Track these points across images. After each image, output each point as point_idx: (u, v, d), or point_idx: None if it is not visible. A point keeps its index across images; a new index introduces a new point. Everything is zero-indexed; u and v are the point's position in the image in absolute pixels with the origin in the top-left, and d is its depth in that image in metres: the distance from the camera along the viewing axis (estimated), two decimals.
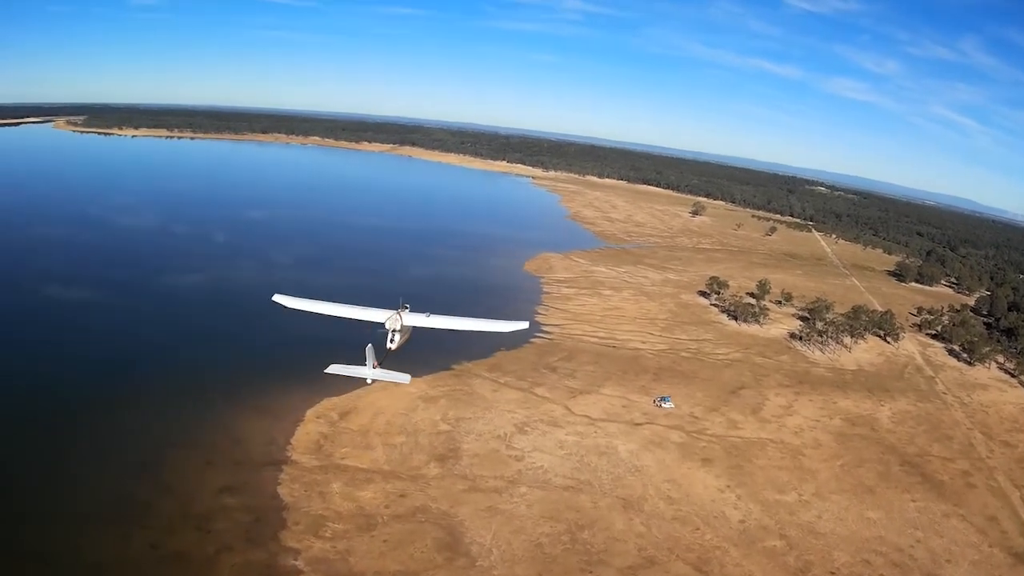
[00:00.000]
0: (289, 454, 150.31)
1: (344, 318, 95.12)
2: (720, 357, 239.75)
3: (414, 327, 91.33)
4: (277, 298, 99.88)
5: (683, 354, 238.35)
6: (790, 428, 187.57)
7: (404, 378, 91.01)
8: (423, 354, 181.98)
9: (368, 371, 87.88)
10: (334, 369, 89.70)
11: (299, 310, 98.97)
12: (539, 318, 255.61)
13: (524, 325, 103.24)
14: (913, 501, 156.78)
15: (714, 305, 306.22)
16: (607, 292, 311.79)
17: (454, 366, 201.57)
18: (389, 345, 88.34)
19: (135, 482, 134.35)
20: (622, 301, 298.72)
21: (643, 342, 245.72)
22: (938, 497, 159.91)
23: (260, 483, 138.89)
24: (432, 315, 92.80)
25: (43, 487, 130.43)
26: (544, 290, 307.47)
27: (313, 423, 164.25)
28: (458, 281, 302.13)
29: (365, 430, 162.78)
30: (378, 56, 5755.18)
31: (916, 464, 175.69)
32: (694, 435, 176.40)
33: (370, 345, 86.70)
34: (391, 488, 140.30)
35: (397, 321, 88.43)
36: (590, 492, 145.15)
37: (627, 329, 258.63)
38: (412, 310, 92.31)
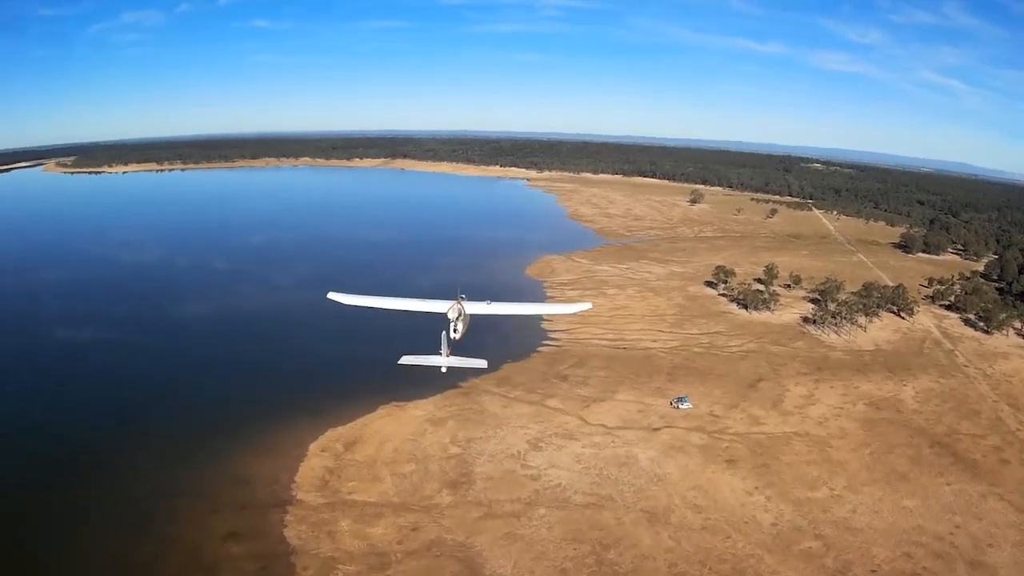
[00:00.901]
0: (294, 493, 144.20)
1: (405, 311, 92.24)
2: (734, 349, 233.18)
3: (472, 315, 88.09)
4: (332, 295, 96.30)
5: (696, 349, 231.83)
6: (814, 418, 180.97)
7: (481, 363, 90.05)
8: (427, 372, 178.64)
9: (443, 359, 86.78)
10: (407, 360, 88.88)
11: (357, 306, 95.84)
12: (545, 324, 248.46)
13: (588, 306, 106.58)
14: (948, 484, 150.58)
15: (722, 295, 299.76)
16: (612, 291, 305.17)
17: (461, 383, 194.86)
18: (453, 335, 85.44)
19: (139, 537, 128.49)
20: (628, 299, 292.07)
21: (654, 340, 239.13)
22: (973, 477, 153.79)
23: (266, 527, 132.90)
24: (492, 302, 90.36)
25: (41, 549, 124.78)
26: (548, 295, 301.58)
27: (317, 457, 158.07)
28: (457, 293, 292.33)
29: (372, 460, 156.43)
30: (365, 72, 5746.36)
31: (947, 444, 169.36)
32: (715, 435, 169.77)
33: (444, 332, 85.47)
34: (403, 522, 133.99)
35: (458, 311, 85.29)
36: (612, 508, 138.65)
37: (636, 328, 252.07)
38: (469, 299, 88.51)
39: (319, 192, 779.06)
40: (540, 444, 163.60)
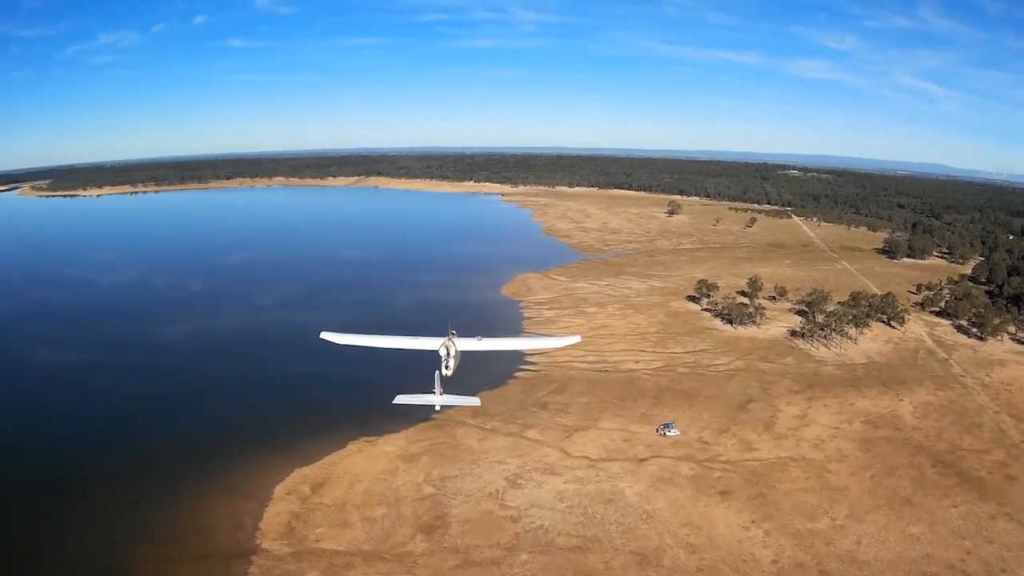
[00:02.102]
0: (258, 541, 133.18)
1: (394, 348, 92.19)
2: (721, 368, 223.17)
3: (463, 351, 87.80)
4: (325, 335, 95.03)
5: (681, 370, 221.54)
6: (809, 441, 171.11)
7: (474, 401, 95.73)
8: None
9: (436, 398, 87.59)
10: (401, 399, 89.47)
11: (349, 345, 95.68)
12: None
13: (576, 339, 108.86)
14: (955, 507, 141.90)
15: (706, 310, 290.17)
16: (591, 309, 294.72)
17: (434, 415, 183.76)
18: (444, 372, 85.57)
19: None
20: (608, 317, 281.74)
21: (636, 361, 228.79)
22: (980, 497, 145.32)
23: None
24: (483, 338, 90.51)
25: None
26: (524, 315, 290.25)
27: (283, 501, 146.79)
28: (430, 318, 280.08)
29: (341, 504, 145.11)
30: (341, 90, 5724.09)
31: (950, 463, 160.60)
32: (706, 464, 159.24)
33: (438, 372, 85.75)
34: (374, 572, 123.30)
35: (450, 348, 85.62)
36: (600, 550, 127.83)
37: (618, 348, 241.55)
38: (459, 335, 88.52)
39: (289, 212, 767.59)
40: (519, 481, 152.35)
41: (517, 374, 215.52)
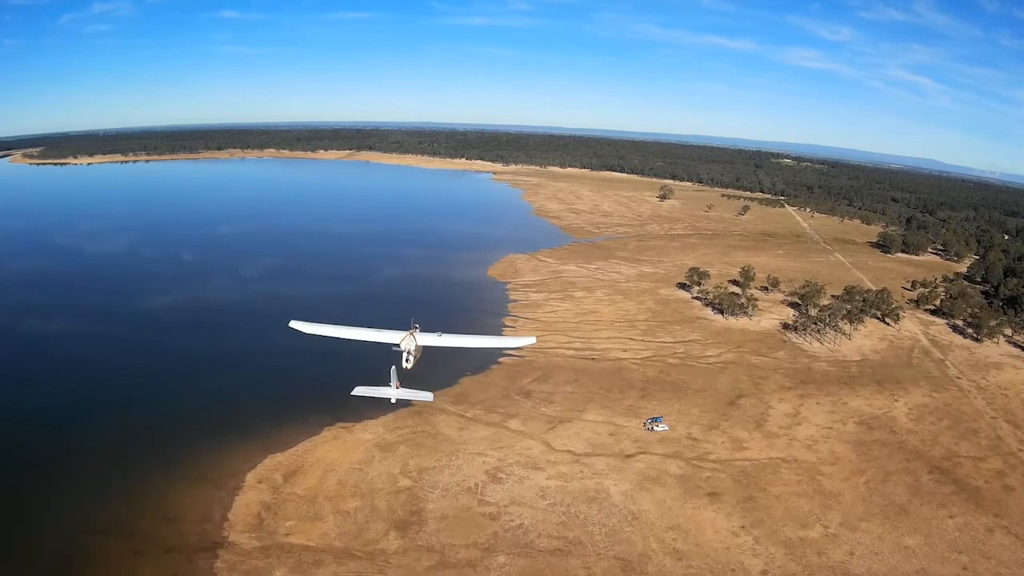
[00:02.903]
0: (226, 534, 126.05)
1: (359, 340, 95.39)
2: (711, 360, 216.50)
3: (425, 347, 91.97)
4: (293, 324, 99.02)
5: (670, 360, 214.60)
6: (802, 441, 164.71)
7: (427, 396, 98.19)
8: (381, 385, 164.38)
9: (392, 391, 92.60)
10: (360, 391, 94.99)
11: (315, 335, 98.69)
12: (507, 332, 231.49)
13: (532, 340, 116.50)
14: (951, 517, 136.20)
15: (696, 299, 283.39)
16: (579, 294, 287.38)
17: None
18: (405, 365, 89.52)
19: None
20: (597, 303, 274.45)
21: (624, 350, 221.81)
22: (977, 508, 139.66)
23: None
24: (443, 334, 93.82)
25: None
26: (511, 298, 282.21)
27: (254, 490, 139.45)
28: (414, 298, 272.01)
29: (313, 495, 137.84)
30: (333, 63, 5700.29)
31: (946, 470, 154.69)
32: (695, 463, 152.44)
33: (394, 367, 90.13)
34: (345, 571, 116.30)
35: (411, 342, 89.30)
36: (581, 554, 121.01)
37: (606, 336, 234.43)
38: (422, 330, 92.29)
39: (278, 185, 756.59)
40: (500, 475, 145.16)
41: (501, 359, 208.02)
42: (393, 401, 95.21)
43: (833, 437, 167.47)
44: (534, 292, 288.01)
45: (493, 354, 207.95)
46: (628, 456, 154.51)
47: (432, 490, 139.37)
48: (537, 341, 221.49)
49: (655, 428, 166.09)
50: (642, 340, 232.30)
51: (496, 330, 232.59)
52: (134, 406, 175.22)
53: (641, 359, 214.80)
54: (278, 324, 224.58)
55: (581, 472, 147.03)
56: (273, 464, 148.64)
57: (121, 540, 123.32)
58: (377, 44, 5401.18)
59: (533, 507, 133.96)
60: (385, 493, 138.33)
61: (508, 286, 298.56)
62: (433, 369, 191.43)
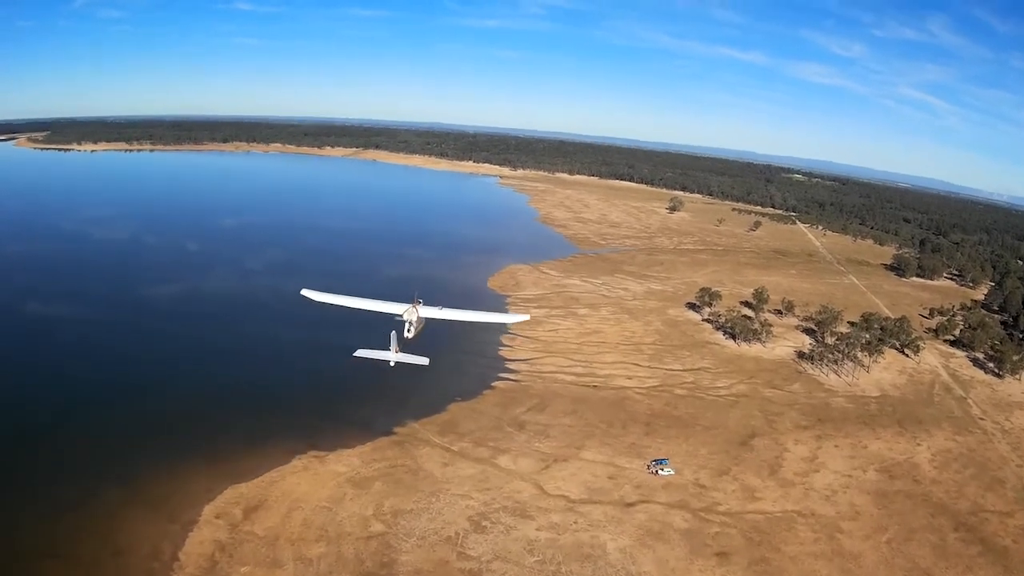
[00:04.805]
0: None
1: (365, 310, 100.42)
2: (722, 392, 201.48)
3: (428, 319, 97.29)
4: (305, 292, 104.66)
5: (678, 391, 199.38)
6: (819, 491, 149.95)
7: (423, 360, 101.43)
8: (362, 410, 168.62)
9: (392, 355, 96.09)
10: (361, 353, 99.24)
11: (324, 303, 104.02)
12: (504, 352, 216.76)
13: (525, 317, 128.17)
14: None
15: (707, 321, 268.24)
16: (583, 311, 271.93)
17: (397, 428, 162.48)
18: (407, 335, 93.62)
19: None
20: (601, 322, 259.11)
21: (629, 377, 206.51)
22: (1005, 573, 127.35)
23: None
24: (444, 308, 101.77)
25: None
26: (511, 312, 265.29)
27: (210, 526, 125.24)
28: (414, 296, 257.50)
29: (274, 536, 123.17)
30: (344, 60, 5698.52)
31: (972, 526, 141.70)
32: (703, 516, 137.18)
33: (394, 332, 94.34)
34: None
35: (413, 313, 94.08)
36: None
37: (609, 360, 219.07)
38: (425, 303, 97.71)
39: (278, 181, 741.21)
40: (484, 523, 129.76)
41: (495, 384, 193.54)
42: (391, 364, 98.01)
43: (853, 487, 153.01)
44: (535, 307, 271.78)
45: (486, 378, 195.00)
46: (629, 505, 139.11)
47: (407, 538, 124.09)
48: (535, 364, 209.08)
49: (660, 472, 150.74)
50: (648, 366, 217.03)
51: (494, 348, 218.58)
52: (88, 416, 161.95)
53: (646, 389, 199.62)
54: (263, 327, 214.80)
55: (575, 523, 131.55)
56: (234, 496, 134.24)
57: (63, 568, 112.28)
58: (389, 41, 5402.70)
59: (519, 564, 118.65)
60: (354, 539, 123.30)
61: (508, 300, 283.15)
62: (420, 391, 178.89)
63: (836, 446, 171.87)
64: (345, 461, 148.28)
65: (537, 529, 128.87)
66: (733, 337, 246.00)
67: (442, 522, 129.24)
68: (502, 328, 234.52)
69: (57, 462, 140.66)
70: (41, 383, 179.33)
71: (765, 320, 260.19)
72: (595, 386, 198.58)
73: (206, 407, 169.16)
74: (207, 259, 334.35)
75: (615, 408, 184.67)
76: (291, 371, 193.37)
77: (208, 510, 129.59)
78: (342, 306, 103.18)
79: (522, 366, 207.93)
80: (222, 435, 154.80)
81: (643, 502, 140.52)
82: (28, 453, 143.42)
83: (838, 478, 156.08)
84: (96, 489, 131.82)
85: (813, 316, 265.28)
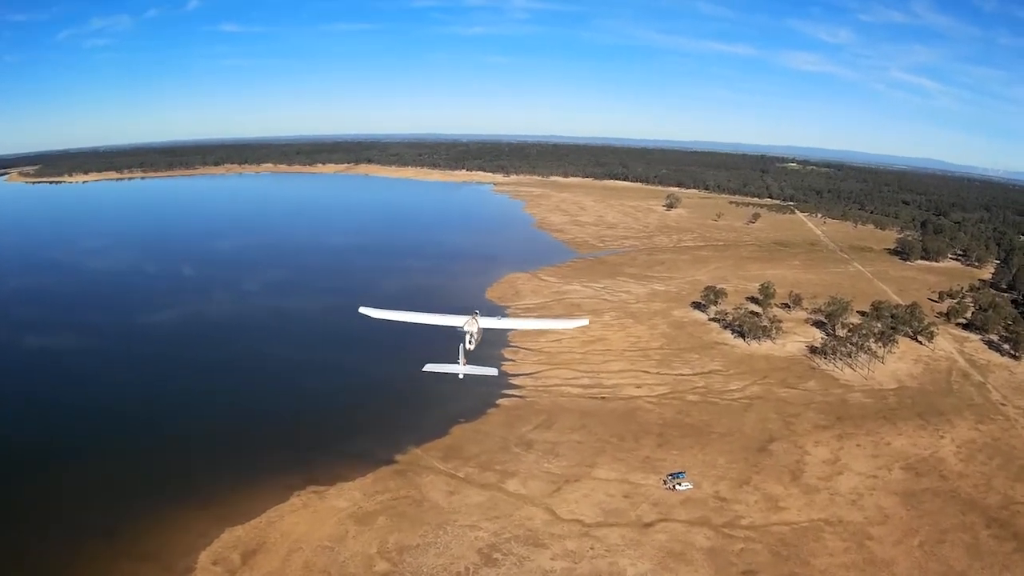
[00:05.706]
0: None
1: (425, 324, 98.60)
2: (736, 395, 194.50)
3: (485, 329, 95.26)
4: (363, 310, 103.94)
5: (690, 397, 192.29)
6: (845, 495, 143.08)
7: (492, 371, 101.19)
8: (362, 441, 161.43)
9: (460, 367, 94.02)
10: (430, 367, 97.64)
11: (384, 320, 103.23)
12: (507, 366, 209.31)
13: (584, 322, 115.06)
14: None
15: (714, 320, 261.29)
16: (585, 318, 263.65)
17: (398, 456, 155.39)
18: (468, 346, 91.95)
19: None
20: (605, 328, 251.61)
21: (638, 386, 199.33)
22: None
23: None
24: (503, 318, 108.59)
25: None
26: None
27: (207, 573, 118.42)
28: (407, 330, 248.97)
29: None
30: (333, 75, 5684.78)
31: (1004, 521, 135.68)
32: (726, 532, 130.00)
33: (461, 344, 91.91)
34: None
35: (474, 324, 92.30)
36: None
37: (616, 369, 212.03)
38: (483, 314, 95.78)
39: (269, 203, 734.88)
40: (495, 555, 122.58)
41: (499, 402, 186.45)
42: (461, 376, 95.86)
43: (879, 488, 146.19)
44: (536, 317, 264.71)
45: (490, 396, 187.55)
46: (647, 525, 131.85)
47: None
48: (539, 378, 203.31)
49: (677, 487, 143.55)
50: (657, 372, 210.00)
51: (496, 362, 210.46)
52: (77, 457, 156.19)
53: (656, 396, 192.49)
54: (256, 362, 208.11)
55: (592, 549, 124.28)
56: (232, 539, 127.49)
57: None
58: (376, 55, 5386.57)
59: None
60: None
61: (508, 310, 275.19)
62: (420, 415, 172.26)
63: (858, 445, 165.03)
64: (346, 495, 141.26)
65: (552, 558, 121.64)
66: (742, 336, 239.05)
67: (450, 557, 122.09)
68: (503, 340, 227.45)
69: (40, 511, 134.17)
70: (24, 423, 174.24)
71: (774, 316, 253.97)
72: (603, 397, 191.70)
73: (198, 448, 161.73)
74: (202, 283, 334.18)
75: (625, 420, 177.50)
76: (286, 398, 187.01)
77: (204, 557, 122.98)
78: (403, 322, 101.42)
79: (526, 380, 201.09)
80: (214, 473, 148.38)
81: (662, 521, 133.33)
82: (10, 504, 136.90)
83: (863, 480, 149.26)
84: (82, 540, 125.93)
85: (822, 308, 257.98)
